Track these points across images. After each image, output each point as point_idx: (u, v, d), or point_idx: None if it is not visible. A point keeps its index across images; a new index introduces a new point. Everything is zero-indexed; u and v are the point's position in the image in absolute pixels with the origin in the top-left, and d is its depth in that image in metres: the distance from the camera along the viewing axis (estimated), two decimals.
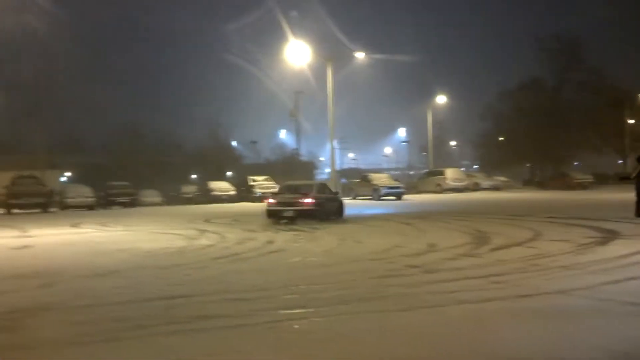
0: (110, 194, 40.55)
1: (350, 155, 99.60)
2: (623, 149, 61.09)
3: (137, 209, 38.21)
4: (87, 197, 37.34)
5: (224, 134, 72.67)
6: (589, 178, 47.90)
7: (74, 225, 21.29)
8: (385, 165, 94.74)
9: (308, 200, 18.49)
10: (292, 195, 19.23)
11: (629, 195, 17.70)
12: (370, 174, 42.88)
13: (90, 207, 36.36)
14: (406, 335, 5.15)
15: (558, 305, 6.14)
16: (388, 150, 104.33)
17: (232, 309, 6.30)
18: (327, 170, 60.50)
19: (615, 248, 10.11)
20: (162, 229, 18.53)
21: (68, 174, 60.75)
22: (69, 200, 36.81)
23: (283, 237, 14.16)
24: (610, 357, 4.33)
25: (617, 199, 27.15)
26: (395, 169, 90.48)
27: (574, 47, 61.61)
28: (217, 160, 66.06)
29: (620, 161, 63.53)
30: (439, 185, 44.99)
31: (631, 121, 59.93)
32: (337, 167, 55.27)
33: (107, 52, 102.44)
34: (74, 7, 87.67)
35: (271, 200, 19.19)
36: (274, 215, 18.59)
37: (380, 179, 39.40)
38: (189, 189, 49.18)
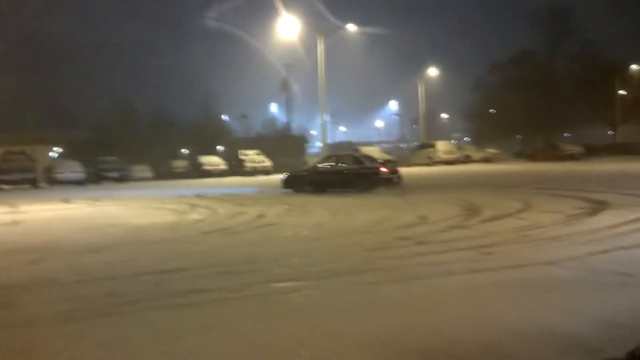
0: (100, 169, 40.42)
1: (342, 128, 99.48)
2: (614, 120, 61.30)
3: (128, 184, 38.13)
4: (77, 172, 37.22)
5: (215, 108, 72.20)
6: (579, 149, 48.06)
7: (64, 201, 21.24)
8: (376, 139, 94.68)
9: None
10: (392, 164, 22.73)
11: (618, 166, 17.79)
12: (361, 148, 42.85)
13: (80, 183, 36.25)
14: (397, 307, 5.19)
15: (548, 275, 6.19)
16: (379, 123, 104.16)
17: (223, 283, 6.33)
18: (319, 144, 60.39)
19: (604, 218, 10.18)
20: (153, 204, 18.51)
21: (59, 149, 60.40)
22: (59, 175, 36.67)
23: (274, 211, 14.17)
24: (600, 326, 4.37)
25: (606, 170, 27.32)
26: (387, 142, 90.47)
27: (565, 19, 61.42)
28: (208, 134, 65.72)
29: (610, 132, 63.75)
30: (430, 157, 45.06)
31: (622, 92, 60.03)
32: (329, 140, 55.13)
33: (99, 27, 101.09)
34: None
35: (385, 169, 20.64)
36: (387, 183, 20.16)
37: (372, 153, 39.41)
38: (180, 164, 49.00)
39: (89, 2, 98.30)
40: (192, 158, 50.06)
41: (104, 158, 42.01)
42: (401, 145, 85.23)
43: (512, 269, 6.49)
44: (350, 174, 19.83)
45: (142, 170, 46.22)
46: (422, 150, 47.91)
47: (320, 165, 21.49)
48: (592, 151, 50.25)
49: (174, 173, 46.25)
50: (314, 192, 19.47)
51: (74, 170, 37.38)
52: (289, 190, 20.66)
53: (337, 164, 21.00)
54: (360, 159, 21.02)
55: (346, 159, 21.46)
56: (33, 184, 33.22)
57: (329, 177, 20.35)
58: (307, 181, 20.54)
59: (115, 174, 40.41)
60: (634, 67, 62.11)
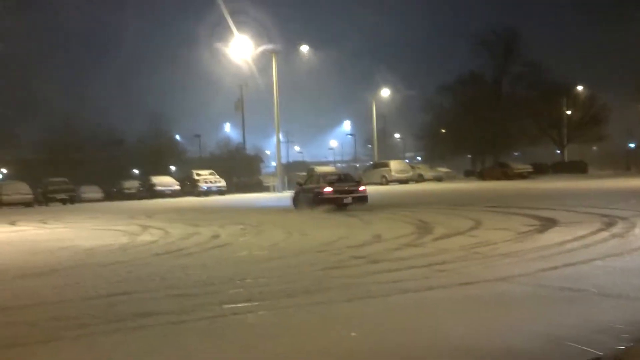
0: (48, 191, 39.49)
1: (296, 148, 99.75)
2: (561, 139, 63.04)
3: (77, 205, 37.37)
4: (24, 193, 36.27)
5: (167, 128, 71.49)
6: (527, 168, 49.19)
7: (11, 223, 20.66)
8: (331, 158, 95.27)
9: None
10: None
11: (566, 184, 18.25)
12: (316, 167, 42.96)
13: (28, 204, 35.33)
14: (351, 325, 5.17)
15: (499, 292, 6.27)
16: (334, 143, 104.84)
17: (175, 305, 6.20)
18: (273, 163, 60.35)
19: (553, 236, 10.40)
20: (103, 225, 18.14)
21: (4, 170, 58.78)
22: (5, 197, 35.66)
23: (228, 232, 14.05)
24: (550, 342, 4.44)
25: (554, 188, 28.01)
26: (341, 162, 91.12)
27: (511, 41, 63.05)
28: (160, 154, 64.94)
29: (558, 151, 65.49)
30: (384, 177, 45.44)
31: (568, 112, 61.85)
32: (283, 160, 55.15)
33: (46, 45, 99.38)
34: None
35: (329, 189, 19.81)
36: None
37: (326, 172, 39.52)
38: (131, 184, 48.24)
39: (34, 21, 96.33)
40: (144, 178, 49.35)
41: (52, 179, 41.04)
42: (355, 165, 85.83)
43: (464, 285, 6.56)
44: None
45: (92, 190, 45.39)
46: (375, 170, 48.27)
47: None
48: (540, 170, 51.54)
49: (124, 194, 45.49)
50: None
51: (21, 191, 36.39)
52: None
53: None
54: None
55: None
56: None
57: None
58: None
59: (63, 195, 39.53)
60: (579, 87, 64.18)
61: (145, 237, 13.79)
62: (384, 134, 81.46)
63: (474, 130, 61.60)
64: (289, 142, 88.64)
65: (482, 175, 50.73)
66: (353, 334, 4.77)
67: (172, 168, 65.51)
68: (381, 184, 44.22)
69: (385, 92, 62.44)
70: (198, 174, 43.44)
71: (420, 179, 48.06)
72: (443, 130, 68.32)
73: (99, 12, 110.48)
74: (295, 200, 21.60)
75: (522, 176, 46.04)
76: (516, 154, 72.78)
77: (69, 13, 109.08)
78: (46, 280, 8.40)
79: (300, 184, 22.44)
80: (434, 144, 69.11)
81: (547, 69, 61.78)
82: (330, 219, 16.38)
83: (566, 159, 61.86)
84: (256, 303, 6.15)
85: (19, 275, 8.89)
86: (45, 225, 19.50)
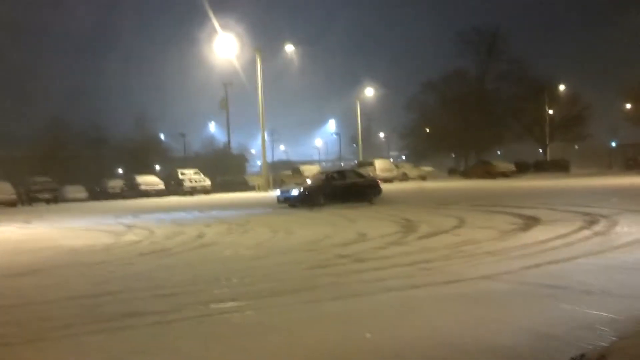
0: (32, 190, 39.12)
1: (281, 147, 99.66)
2: (543, 137, 63.51)
3: (61, 205, 37.07)
4: (7, 193, 35.86)
5: (152, 127, 71.01)
6: (510, 167, 49.51)
7: None
8: (316, 157, 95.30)
9: None
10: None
11: (548, 183, 18.40)
12: (301, 166, 42.99)
13: (11, 204, 34.98)
14: (338, 324, 5.21)
15: (483, 290, 6.33)
16: (319, 142, 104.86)
17: (161, 305, 6.20)
18: (259, 162, 60.27)
19: (536, 234, 10.50)
20: (88, 225, 18.04)
21: None
22: None
23: (214, 231, 14.03)
24: (533, 338, 4.49)
25: (537, 186, 28.24)
26: (326, 161, 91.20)
27: (494, 39, 63.45)
28: (144, 153, 64.52)
29: (540, 150, 65.97)
30: (369, 175, 45.53)
31: (551, 111, 62.33)
32: (268, 159, 55.07)
33: (32, 44, 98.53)
34: None
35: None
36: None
37: (312, 171, 39.62)
38: (116, 184, 47.88)
39: (22, 20, 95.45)
40: (129, 177, 49.02)
41: (36, 179, 40.67)
42: (340, 164, 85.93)
43: (449, 283, 6.61)
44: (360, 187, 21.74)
45: (76, 190, 44.99)
46: (360, 169, 48.38)
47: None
48: (523, 168, 51.87)
49: (109, 193, 45.17)
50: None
51: (5, 191, 35.99)
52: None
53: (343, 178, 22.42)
54: (360, 173, 23.61)
55: (348, 174, 23.63)
56: None
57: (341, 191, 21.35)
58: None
59: (47, 195, 39.22)
60: (561, 86, 64.72)
61: (130, 237, 13.74)
62: (369, 133, 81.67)
63: (457, 128, 61.91)
64: (274, 141, 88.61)
65: (465, 174, 51.02)
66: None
67: (157, 167, 65.13)
68: None
69: (369, 92, 62.59)
70: (183, 173, 43.24)
71: (404, 177, 48.23)
72: (427, 129, 68.59)
73: (86, 12, 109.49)
74: (311, 196, 20.86)
75: (505, 175, 46.35)
76: (499, 152, 73.26)
77: (54, 12, 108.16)
78: (31, 280, 8.37)
79: (326, 179, 22.57)
80: (418, 142, 69.37)
81: (531, 67, 62.36)
82: (316, 218, 16.41)
83: (548, 158, 62.34)
84: (243, 302, 6.17)
85: (4, 275, 8.87)
86: (29, 226, 19.36)
